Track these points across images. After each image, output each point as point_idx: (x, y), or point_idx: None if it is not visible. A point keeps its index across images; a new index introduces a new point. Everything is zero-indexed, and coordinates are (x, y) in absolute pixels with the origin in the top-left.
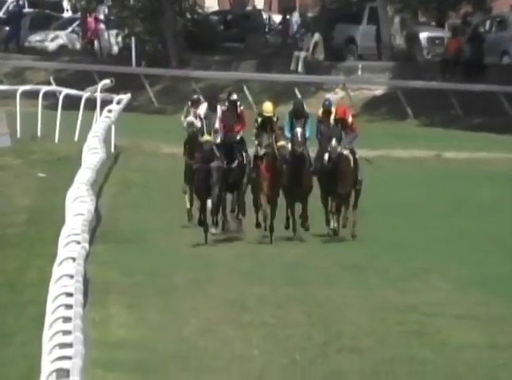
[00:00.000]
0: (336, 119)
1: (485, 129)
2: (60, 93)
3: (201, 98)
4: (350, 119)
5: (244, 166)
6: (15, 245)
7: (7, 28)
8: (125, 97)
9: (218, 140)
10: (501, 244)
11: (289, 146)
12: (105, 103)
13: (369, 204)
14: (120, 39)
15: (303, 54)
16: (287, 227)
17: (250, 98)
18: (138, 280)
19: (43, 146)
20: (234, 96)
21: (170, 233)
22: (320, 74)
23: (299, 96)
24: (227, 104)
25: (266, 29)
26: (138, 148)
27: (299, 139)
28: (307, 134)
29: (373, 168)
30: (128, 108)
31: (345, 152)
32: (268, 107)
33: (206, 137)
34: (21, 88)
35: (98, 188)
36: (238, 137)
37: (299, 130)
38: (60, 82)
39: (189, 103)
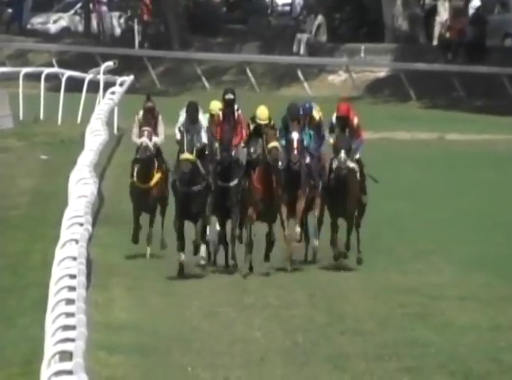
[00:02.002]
0: (338, 118)
1: (487, 111)
2: (63, 75)
3: (154, 105)
4: (356, 121)
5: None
6: (18, 227)
7: (9, 11)
8: (128, 79)
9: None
10: (504, 225)
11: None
12: (108, 85)
13: (372, 186)
14: (122, 21)
15: (305, 36)
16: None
17: (253, 80)
18: (141, 263)
19: (45, 128)
20: (231, 96)
21: (173, 216)
22: (323, 56)
23: (301, 78)
24: (219, 106)
25: (269, 11)
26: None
27: (296, 150)
28: (307, 140)
29: (376, 150)
30: (131, 89)
31: (352, 164)
32: (263, 113)
33: (186, 155)
34: (24, 70)
35: (101, 170)
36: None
37: (295, 135)
38: (63, 64)
39: (140, 113)
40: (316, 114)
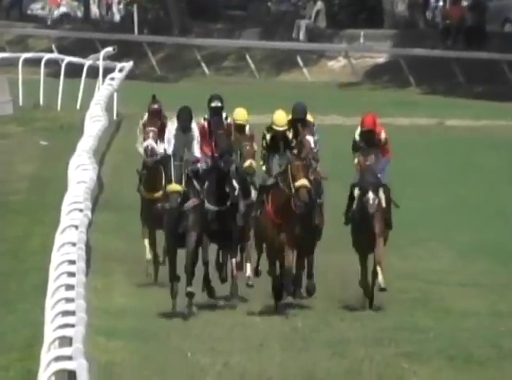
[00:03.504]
0: (363, 133)
1: (487, 97)
2: (62, 60)
3: (161, 107)
4: (383, 135)
5: (238, 207)
6: (17, 213)
7: None
8: (127, 65)
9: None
10: (503, 211)
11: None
12: (108, 71)
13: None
14: (122, 6)
15: (305, 22)
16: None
17: (253, 66)
18: (140, 249)
19: (45, 114)
20: (218, 103)
21: None
22: (322, 42)
23: (301, 64)
24: (206, 116)
25: None
26: (140, 116)
27: (311, 148)
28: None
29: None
30: (131, 75)
31: (380, 195)
32: (281, 118)
33: (174, 186)
34: (24, 55)
35: (101, 155)
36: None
37: (310, 138)
38: (62, 50)
39: (145, 116)
40: (310, 117)
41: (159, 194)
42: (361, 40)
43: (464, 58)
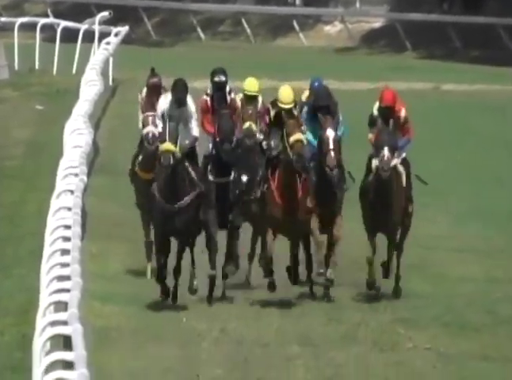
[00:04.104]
0: (381, 109)
1: (483, 62)
2: (58, 25)
3: (161, 80)
4: (404, 113)
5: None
6: (13, 178)
7: None
8: (123, 30)
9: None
10: (500, 177)
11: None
12: (103, 35)
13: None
14: None
15: None
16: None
17: (249, 31)
18: (136, 213)
19: (41, 79)
20: (222, 77)
21: None
22: (318, 7)
23: (297, 28)
24: (209, 90)
25: None
26: (136, 81)
27: (333, 152)
28: (340, 133)
29: (372, 101)
30: (126, 40)
31: (398, 165)
32: (287, 95)
33: (167, 145)
34: (19, 20)
35: (96, 120)
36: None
37: (330, 133)
38: (58, 15)
39: (144, 90)
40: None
41: None
42: (357, 5)
43: (461, 23)
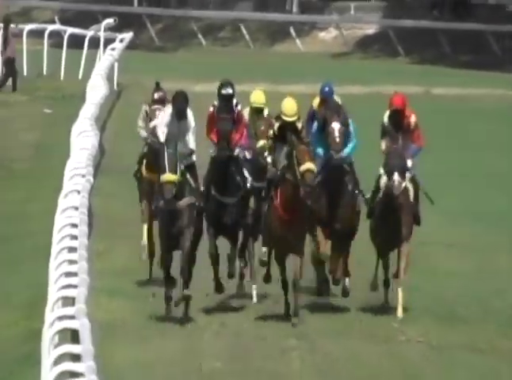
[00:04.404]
0: (391, 115)
1: (472, 66)
2: (65, 31)
3: (166, 95)
4: (414, 118)
5: (247, 200)
6: (22, 178)
7: None
8: (127, 36)
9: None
10: (489, 177)
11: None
12: (108, 41)
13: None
14: None
15: None
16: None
17: (247, 37)
18: (140, 212)
19: (48, 83)
20: (229, 90)
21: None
22: (314, 14)
23: (293, 34)
24: (216, 102)
25: None
26: (140, 85)
27: (338, 138)
28: (350, 147)
29: (365, 104)
30: (130, 46)
31: (406, 184)
32: (290, 107)
33: (168, 176)
34: (28, 27)
35: (102, 123)
36: (236, 151)
37: (336, 125)
38: (65, 22)
39: (148, 104)
40: (338, 99)
41: None
42: (352, 12)
43: (451, 29)
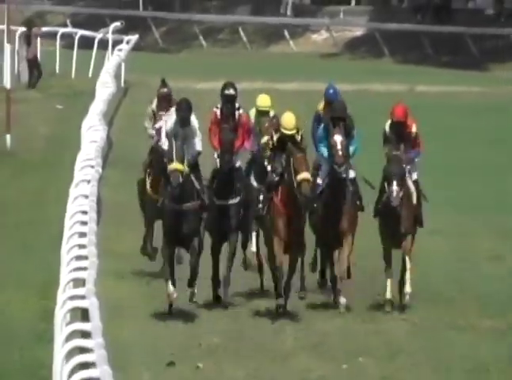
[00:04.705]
0: (393, 125)
1: (453, 66)
2: (76, 34)
3: (171, 91)
4: (414, 128)
5: (249, 203)
6: (36, 169)
7: None
8: (134, 38)
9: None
10: (470, 168)
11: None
12: (116, 43)
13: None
14: None
15: None
16: (321, 285)
17: (245, 38)
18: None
19: (61, 81)
20: (232, 91)
21: None
22: (306, 17)
23: (287, 36)
24: (219, 105)
25: None
26: (145, 83)
27: (341, 151)
28: (352, 149)
29: (353, 101)
30: (136, 47)
31: (410, 185)
32: (289, 121)
33: (175, 165)
34: (42, 29)
35: (110, 118)
36: (238, 163)
37: (338, 138)
38: (76, 25)
39: (154, 101)
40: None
41: None
42: (341, 15)
43: (433, 32)
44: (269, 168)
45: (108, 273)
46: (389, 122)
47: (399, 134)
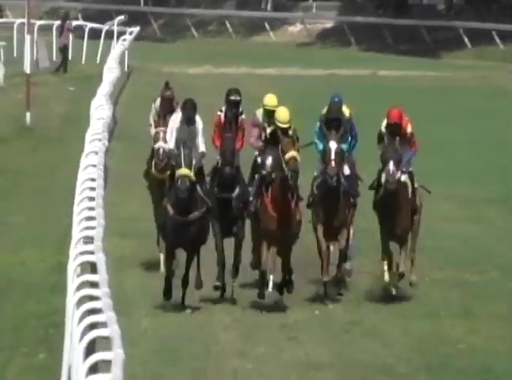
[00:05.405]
0: (389, 126)
1: (410, 54)
2: (86, 26)
3: (173, 94)
4: (409, 129)
5: (247, 197)
6: (52, 142)
7: None
8: (135, 30)
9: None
10: (430, 145)
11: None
12: (120, 34)
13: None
14: None
15: None
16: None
17: (231, 30)
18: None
19: (73, 67)
20: (237, 97)
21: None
22: (284, 12)
23: (268, 28)
24: (223, 108)
25: None
26: (145, 68)
27: (334, 162)
28: (346, 147)
29: (325, 84)
30: (138, 37)
31: (403, 178)
32: (284, 116)
33: (183, 170)
34: (57, 22)
35: (115, 98)
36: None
37: (333, 145)
38: (86, 18)
39: (158, 101)
40: (346, 109)
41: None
42: (314, 10)
43: (392, 24)
44: (259, 160)
45: (113, 232)
46: (384, 123)
47: (395, 135)
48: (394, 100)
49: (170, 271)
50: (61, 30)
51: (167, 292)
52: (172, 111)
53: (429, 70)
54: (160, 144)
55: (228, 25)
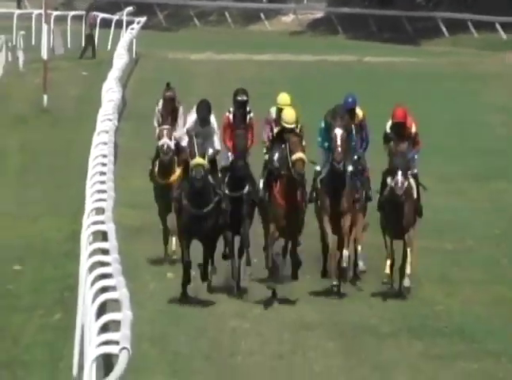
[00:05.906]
0: (394, 125)
1: (392, 41)
2: (98, 16)
3: (175, 94)
4: (414, 129)
5: (255, 195)
6: (67, 122)
7: None
8: (142, 20)
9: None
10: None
11: (328, 160)
12: (129, 23)
13: (303, 92)
14: None
15: None
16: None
17: (230, 19)
18: (153, 148)
19: (86, 54)
20: (244, 97)
21: None
22: (278, 3)
23: (263, 17)
24: (231, 108)
25: None
26: (152, 55)
27: (340, 147)
28: (354, 143)
29: (315, 69)
30: (145, 27)
31: (410, 180)
32: (290, 116)
33: (198, 159)
34: (71, 13)
35: (124, 82)
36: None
37: (338, 132)
38: (98, 9)
39: (160, 102)
40: (359, 111)
41: (174, 177)
42: (305, 1)
43: (377, 14)
44: (266, 157)
45: (123, 204)
46: (390, 123)
47: (400, 134)
48: (378, 84)
49: (188, 263)
50: (86, 20)
51: (186, 283)
52: (174, 110)
53: (410, 56)
54: (164, 140)
55: (227, 16)
